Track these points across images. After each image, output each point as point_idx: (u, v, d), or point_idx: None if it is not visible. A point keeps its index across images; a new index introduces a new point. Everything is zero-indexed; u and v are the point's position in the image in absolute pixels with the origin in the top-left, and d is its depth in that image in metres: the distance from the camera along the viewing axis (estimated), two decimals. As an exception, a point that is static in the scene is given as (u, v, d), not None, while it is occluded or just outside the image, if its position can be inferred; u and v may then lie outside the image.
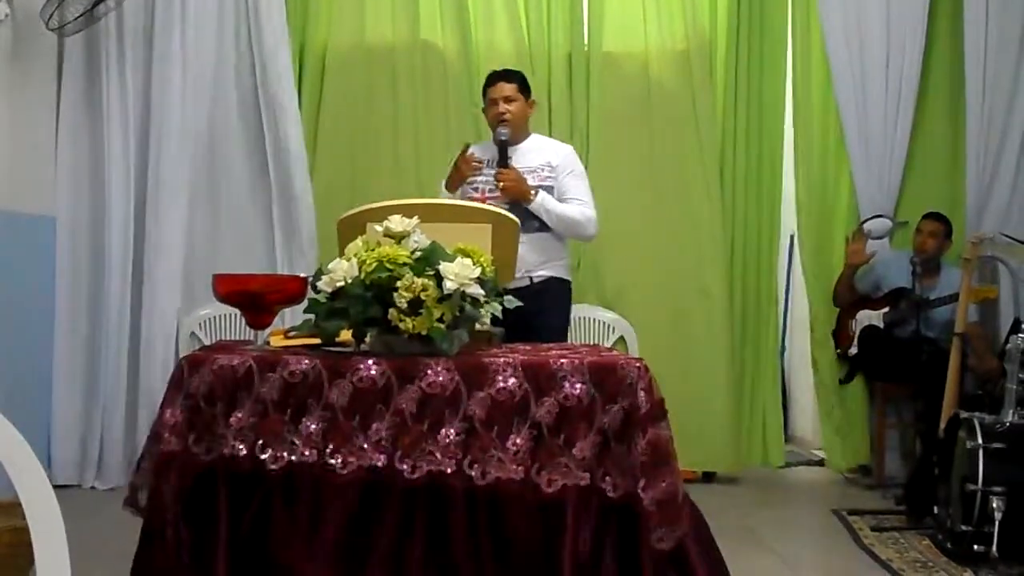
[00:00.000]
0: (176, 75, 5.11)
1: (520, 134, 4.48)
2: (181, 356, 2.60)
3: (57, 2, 4.57)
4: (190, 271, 5.13)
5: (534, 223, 4.28)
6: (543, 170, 4.39)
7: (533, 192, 4.28)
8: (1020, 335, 4.04)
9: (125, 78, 5.06)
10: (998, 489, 3.78)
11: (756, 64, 5.82)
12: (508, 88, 4.45)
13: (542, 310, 4.11)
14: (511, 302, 2.70)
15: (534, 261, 4.28)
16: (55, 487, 1.62)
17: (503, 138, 4.36)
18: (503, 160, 4.34)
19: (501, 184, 4.26)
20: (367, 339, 2.57)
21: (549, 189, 4.35)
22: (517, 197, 4.26)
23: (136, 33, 5.06)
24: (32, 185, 4.89)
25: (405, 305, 2.43)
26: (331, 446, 2.40)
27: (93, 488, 4.98)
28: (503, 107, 4.42)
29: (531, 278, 4.31)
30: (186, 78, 5.13)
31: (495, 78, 4.52)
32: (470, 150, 4.44)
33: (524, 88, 4.52)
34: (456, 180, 4.39)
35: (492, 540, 2.38)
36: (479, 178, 4.42)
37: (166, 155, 5.09)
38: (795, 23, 5.81)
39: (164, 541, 2.42)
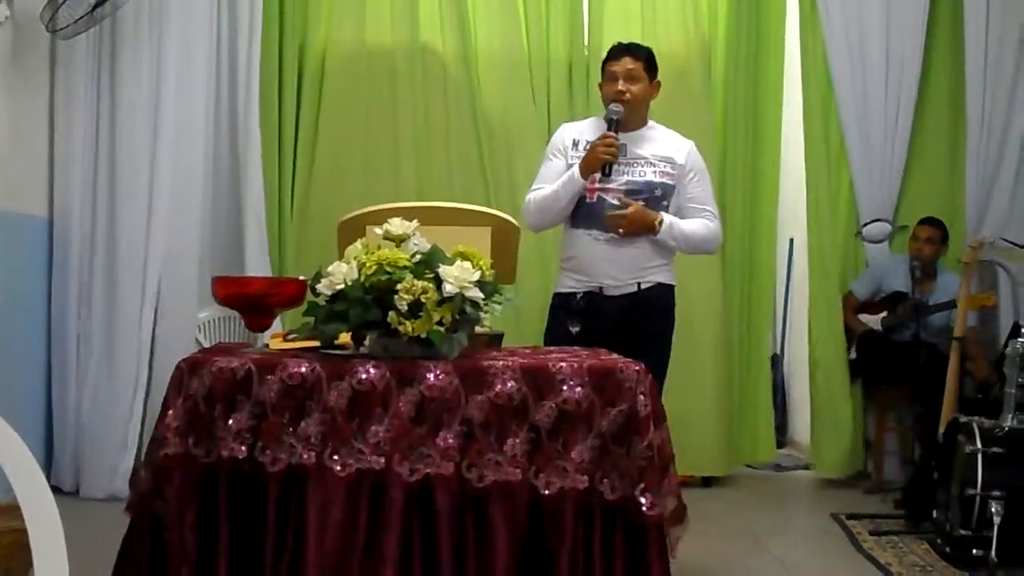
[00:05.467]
0: (171, 77, 5.09)
1: (637, 120, 3.86)
2: (180, 358, 2.59)
3: (57, 5, 4.57)
4: (203, 274, 5.10)
5: None
6: (663, 164, 3.81)
7: (659, 221, 3.73)
8: (1019, 339, 4.05)
9: (127, 79, 5.04)
10: (997, 493, 3.78)
11: (754, 70, 5.84)
12: (632, 64, 3.80)
13: (648, 318, 3.78)
14: (510, 301, 2.69)
15: (642, 266, 3.79)
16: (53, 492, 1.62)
17: (615, 116, 3.72)
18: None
19: (622, 228, 3.68)
20: (366, 342, 2.57)
21: (668, 188, 3.80)
22: (642, 230, 3.73)
23: (133, 34, 5.04)
24: (27, 186, 4.88)
25: (405, 308, 2.43)
26: (330, 448, 2.40)
27: (90, 496, 4.91)
28: (623, 85, 3.77)
29: (639, 284, 3.79)
30: (180, 81, 5.11)
31: (619, 51, 3.86)
32: (566, 130, 3.94)
33: (651, 67, 3.87)
34: (590, 165, 3.69)
35: (490, 543, 2.38)
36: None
37: (165, 157, 5.08)
38: (795, 28, 5.82)
39: (167, 543, 2.42)
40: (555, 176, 3.79)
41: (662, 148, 3.84)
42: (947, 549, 4.00)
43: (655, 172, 3.78)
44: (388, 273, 2.46)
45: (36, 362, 4.97)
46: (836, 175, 5.83)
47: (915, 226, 5.49)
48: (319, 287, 2.55)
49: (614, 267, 3.77)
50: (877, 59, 5.61)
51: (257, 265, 5.27)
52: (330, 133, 5.64)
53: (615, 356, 2.77)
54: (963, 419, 4.09)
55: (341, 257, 2.59)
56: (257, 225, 5.31)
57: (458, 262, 2.51)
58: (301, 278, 2.84)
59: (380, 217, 2.73)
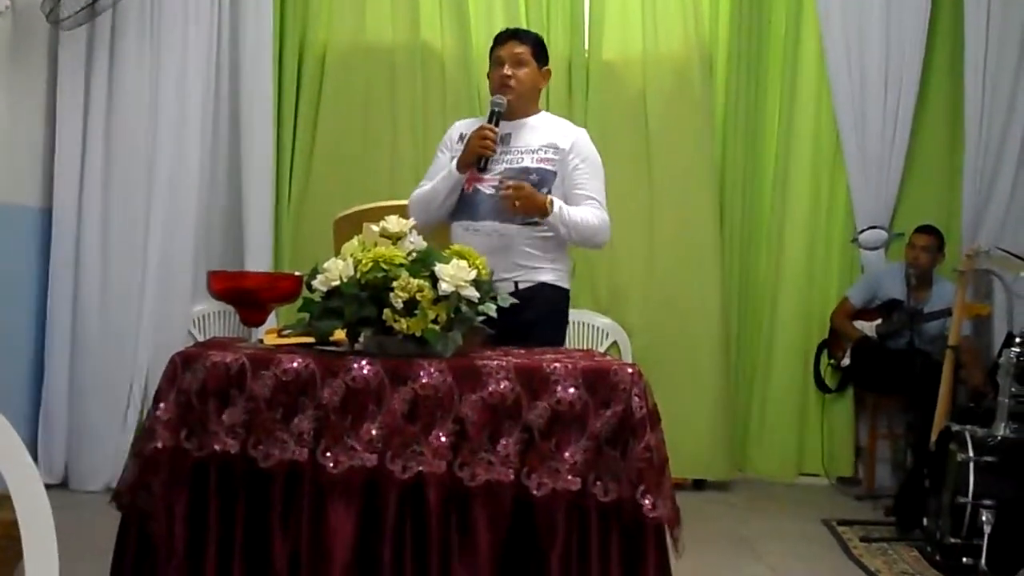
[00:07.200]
0: (171, 70, 5.09)
1: (527, 107, 3.59)
2: (174, 352, 2.59)
3: (58, -5, 4.57)
4: (198, 268, 5.10)
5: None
6: (544, 150, 3.51)
7: (548, 201, 3.37)
8: (1013, 349, 4.05)
9: (127, 72, 5.03)
10: (988, 502, 3.79)
11: (756, 75, 5.84)
12: (519, 49, 3.56)
13: (530, 322, 3.28)
14: (505, 300, 2.68)
15: (520, 261, 3.46)
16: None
17: (497, 108, 3.48)
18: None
19: (516, 202, 3.31)
20: (361, 339, 2.57)
21: (546, 173, 3.47)
22: (531, 212, 3.38)
23: (134, 26, 5.02)
24: (23, 176, 4.88)
25: (400, 306, 2.43)
26: (323, 445, 2.39)
27: (81, 488, 4.91)
28: (509, 69, 3.52)
29: (516, 283, 3.43)
30: (180, 74, 5.11)
31: (505, 36, 3.63)
32: (456, 127, 3.72)
33: (539, 53, 3.62)
34: (467, 158, 3.45)
35: (482, 542, 2.38)
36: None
37: (163, 149, 5.07)
38: (795, 34, 5.83)
39: (153, 535, 2.42)
40: (440, 171, 3.57)
41: (546, 135, 3.55)
42: (937, 557, 4.00)
43: (533, 159, 3.50)
44: (384, 270, 2.46)
45: (25, 351, 4.96)
46: (832, 181, 5.84)
47: (912, 234, 5.49)
48: (315, 283, 2.55)
49: (490, 260, 3.04)
50: (876, 66, 5.62)
51: (259, 260, 5.28)
52: (329, 130, 5.66)
53: (609, 357, 2.77)
54: (956, 427, 4.09)
55: (337, 254, 2.59)
56: (261, 220, 5.31)
57: (454, 261, 2.51)
58: (297, 274, 2.84)
59: (377, 214, 2.73)
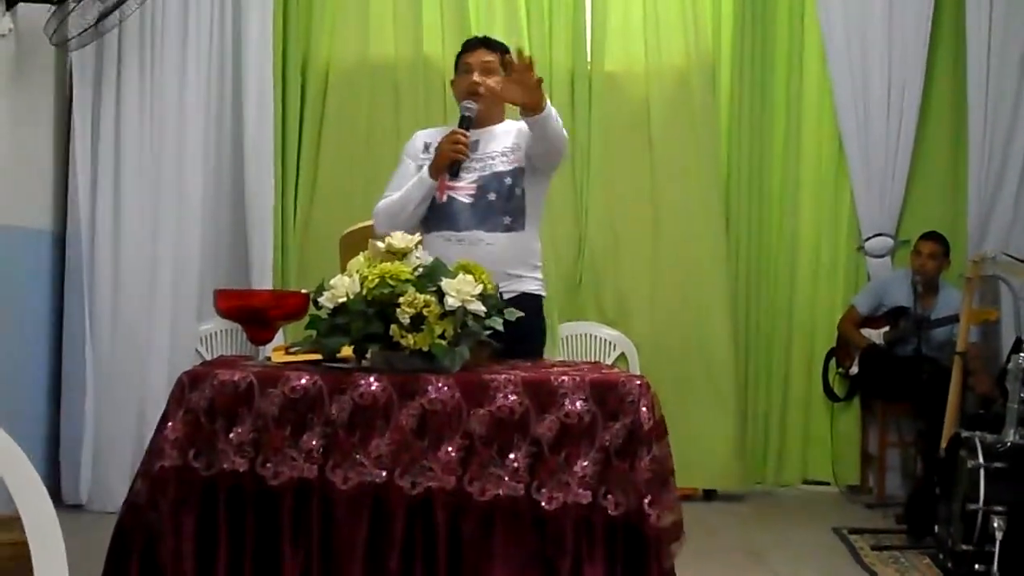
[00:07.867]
0: (178, 89, 5.12)
1: (493, 115, 3.53)
2: (182, 371, 2.59)
3: (60, 17, 4.58)
4: (204, 287, 5.12)
5: (503, 219, 3.38)
6: (512, 152, 3.45)
7: (544, 102, 3.25)
8: (1021, 354, 4.04)
9: (132, 93, 5.05)
10: (999, 509, 3.77)
11: (759, 84, 5.85)
12: (489, 57, 3.49)
13: (518, 334, 2.90)
14: (512, 314, 2.68)
15: (504, 270, 3.29)
16: (64, 507, 1.62)
17: (467, 113, 3.41)
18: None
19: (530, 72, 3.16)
20: (368, 355, 2.57)
21: (516, 172, 3.42)
22: (527, 100, 3.22)
23: (135, 47, 5.04)
24: (31, 199, 4.90)
25: (407, 321, 2.43)
26: (331, 462, 2.39)
27: (101, 509, 4.87)
28: (478, 77, 3.45)
29: (501, 295, 3.08)
30: (184, 95, 5.13)
31: (474, 43, 3.58)
32: (419, 136, 3.64)
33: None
34: (438, 164, 3.37)
35: (492, 557, 2.37)
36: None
37: (173, 169, 5.10)
38: (798, 43, 5.84)
39: (160, 555, 2.42)
40: (405, 181, 3.49)
41: (512, 137, 3.48)
42: (949, 564, 3.98)
43: (504, 161, 3.45)
44: (390, 286, 2.46)
45: (39, 374, 4.97)
46: (837, 189, 5.84)
47: (917, 241, 5.50)
48: (321, 300, 2.54)
49: None
50: (879, 74, 5.63)
51: (265, 278, 5.29)
52: (333, 146, 5.66)
53: (616, 369, 2.76)
54: (965, 434, 4.08)
55: (343, 270, 2.59)
56: (265, 238, 5.34)
57: (460, 275, 2.51)
58: (303, 291, 2.84)
59: (382, 230, 2.73)
